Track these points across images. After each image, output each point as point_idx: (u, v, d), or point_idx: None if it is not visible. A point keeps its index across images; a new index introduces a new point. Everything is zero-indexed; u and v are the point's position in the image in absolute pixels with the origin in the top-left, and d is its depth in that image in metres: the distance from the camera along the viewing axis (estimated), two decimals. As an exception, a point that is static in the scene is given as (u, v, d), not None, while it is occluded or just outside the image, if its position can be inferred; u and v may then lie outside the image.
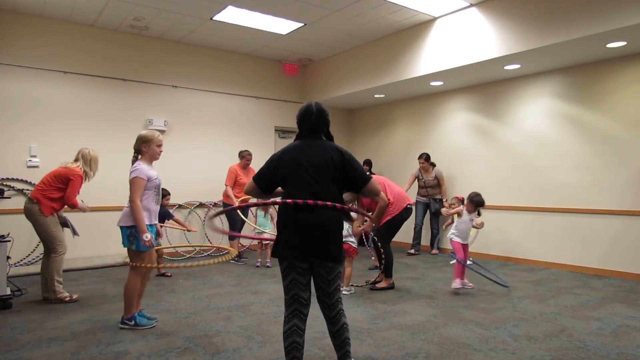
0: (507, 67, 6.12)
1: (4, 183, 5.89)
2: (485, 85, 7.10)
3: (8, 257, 4.31)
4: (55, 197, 4.33)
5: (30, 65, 6.11)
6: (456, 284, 4.76)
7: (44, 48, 6.23)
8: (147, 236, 3.46)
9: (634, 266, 5.46)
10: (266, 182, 2.56)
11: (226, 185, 6.52)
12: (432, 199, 7.39)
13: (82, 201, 4.57)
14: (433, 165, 7.43)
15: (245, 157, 6.66)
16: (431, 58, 6.38)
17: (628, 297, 4.62)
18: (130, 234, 3.51)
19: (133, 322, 3.58)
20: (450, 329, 3.62)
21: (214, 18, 6.26)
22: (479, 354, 3.10)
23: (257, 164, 8.35)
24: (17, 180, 5.92)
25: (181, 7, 5.91)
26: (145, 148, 3.63)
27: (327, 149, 2.50)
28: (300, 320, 2.43)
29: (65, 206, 4.46)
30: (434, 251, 7.29)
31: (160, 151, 3.72)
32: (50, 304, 4.33)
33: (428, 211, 7.48)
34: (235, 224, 6.63)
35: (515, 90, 6.71)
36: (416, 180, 7.53)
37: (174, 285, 5.21)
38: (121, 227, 3.56)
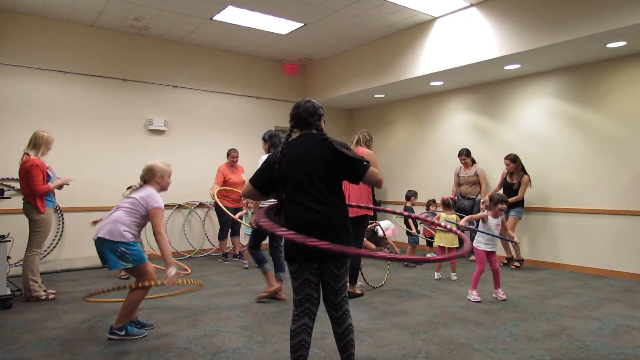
0: (507, 67, 6.12)
1: (4, 183, 5.90)
2: (485, 85, 7.10)
3: (8, 257, 4.33)
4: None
5: (30, 65, 6.11)
6: (472, 295, 4.48)
7: (44, 48, 6.23)
8: (173, 270, 3.27)
9: (634, 266, 5.46)
10: (264, 183, 2.53)
11: (214, 184, 6.51)
12: (463, 197, 6.79)
13: (58, 177, 4.65)
14: (473, 161, 6.89)
15: (230, 154, 6.69)
16: (431, 58, 6.38)
17: (628, 297, 4.62)
18: (122, 253, 3.26)
19: (123, 332, 3.40)
20: (450, 329, 3.62)
21: (214, 18, 6.26)
22: (479, 354, 3.10)
23: (257, 164, 8.37)
24: (17, 180, 5.91)
25: (181, 7, 5.91)
26: (159, 179, 3.54)
27: (323, 144, 2.45)
28: (310, 319, 2.43)
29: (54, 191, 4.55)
30: (472, 258, 6.64)
31: (170, 182, 3.65)
32: (39, 302, 4.39)
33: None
34: (227, 224, 6.66)
35: (515, 90, 6.71)
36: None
37: (174, 285, 5.21)
38: (106, 246, 3.27)
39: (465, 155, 6.85)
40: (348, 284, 4.53)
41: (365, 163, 2.44)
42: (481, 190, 6.77)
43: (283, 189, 2.48)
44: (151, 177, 3.52)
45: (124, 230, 3.30)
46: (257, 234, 4.54)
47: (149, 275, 3.42)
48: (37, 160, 4.37)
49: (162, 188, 3.58)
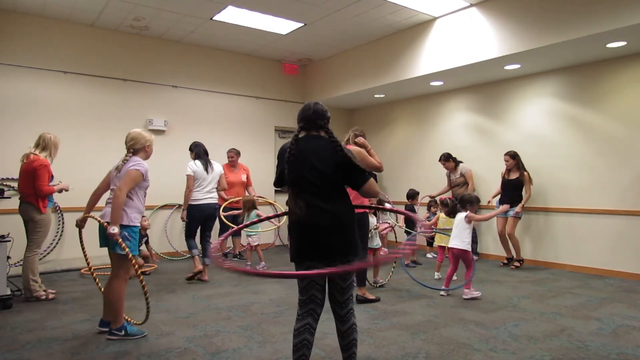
0: (507, 67, 6.12)
1: (4, 183, 5.90)
2: (485, 85, 7.10)
3: (8, 257, 4.33)
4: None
5: (30, 65, 6.11)
6: (471, 294, 4.58)
7: (44, 48, 6.23)
8: (115, 229, 3.21)
9: (634, 266, 5.45)
10: (281, 180, 2.60)
11: None
12: (456, 199, 6.69)
13: (60, 182, 4.68)
14: (457, 162, 6.91)
15: (228, 154, 6.70)
16: (431, 58, 6.38)
17: (628, 297, 4.62)
18: (124, 237, 3.28)
19: (123, 332, 3.39)
20: (450, 329, 3.63)
21: (214, 18, 6.26)
22: (479, 354, 3.10)
23: (257, 164, 8.33)
24: (17, 180, 5.91)
25: (181, 7, 5.91)
26: (148, 149, 3.61)
27: (329, 146, 2.48)
28: (313, 319, 2.46)
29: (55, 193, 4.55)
30: (475, 258, 6.48)
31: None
32: (39, 302, 4.40)
33: None
34: (226, 227, 6.58)
35: (515, 90, 6.71)
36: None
37: (174, 285, 5.21)
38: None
39: (444, 160, 6.89)
40: (357, 287, 4.58)
41: (366, 174, 2.51)
42: (468, 190, 6.71)
43: (290, 186, 2.51)
44: (141, 146, 3.55)
45: (131, 214, 3.37)
46: (191, 226, 5.34)
47: (128, 270, 3.43)
48: (45, 161, 4.40)
49: (148, 156, 3.64)
